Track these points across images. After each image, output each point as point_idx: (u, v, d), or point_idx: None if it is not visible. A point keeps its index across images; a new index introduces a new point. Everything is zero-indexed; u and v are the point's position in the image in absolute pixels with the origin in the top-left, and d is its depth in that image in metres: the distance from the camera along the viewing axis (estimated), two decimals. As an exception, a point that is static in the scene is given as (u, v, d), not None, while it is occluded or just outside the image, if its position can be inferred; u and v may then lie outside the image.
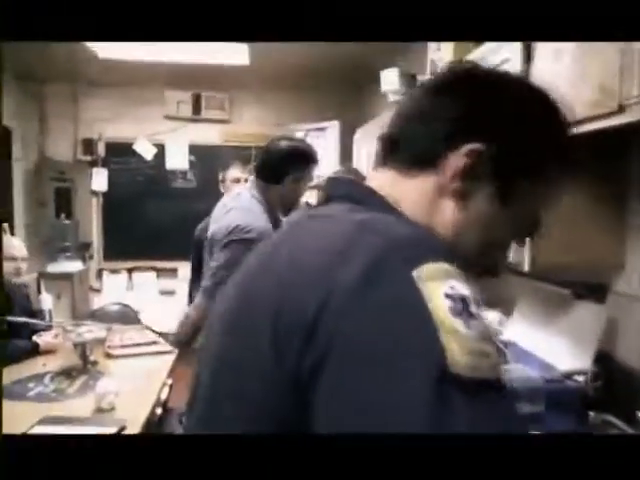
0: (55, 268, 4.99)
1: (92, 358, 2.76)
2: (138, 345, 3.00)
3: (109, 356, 2.89)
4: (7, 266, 2.95)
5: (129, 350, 2.94)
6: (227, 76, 5.22)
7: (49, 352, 2.92)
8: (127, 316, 4.04)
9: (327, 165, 4.82)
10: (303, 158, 2.06)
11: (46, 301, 4.31)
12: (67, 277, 4.98)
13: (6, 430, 1.84)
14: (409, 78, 2.69)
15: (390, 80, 2.78)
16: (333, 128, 4.83)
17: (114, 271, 5.50)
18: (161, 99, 5.42)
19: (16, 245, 3.06)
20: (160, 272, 5.56)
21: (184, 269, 5.52)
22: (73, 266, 5.10)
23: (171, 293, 5.57)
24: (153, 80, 5.25)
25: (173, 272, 5.53)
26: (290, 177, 2.05)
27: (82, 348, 2.74)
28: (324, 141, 4.91)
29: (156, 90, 5.37)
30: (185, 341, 2.17)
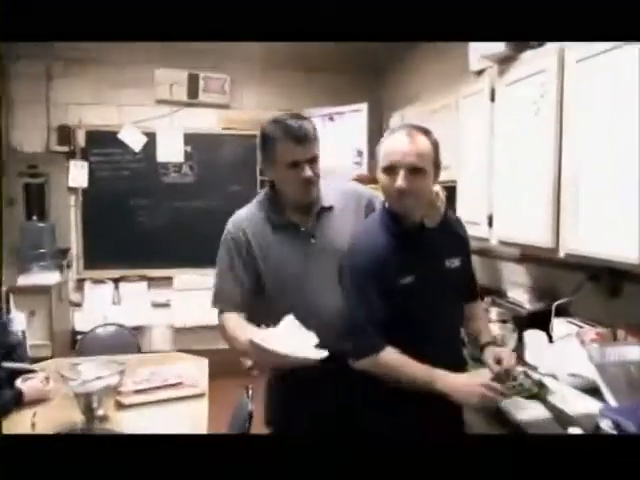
0: (28, 280, 4.18)
1: (100, 412, 2.04)
2: (157, 389, 2.28)
3: (121, 406, 2.17)
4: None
5: (146, 396, 2.23)
6: (228, 54, 4.51)
7: (37, 402, 2.19)
8: (125, 341, 3.29)
9: (354, 152, 4.19)
10: (281, 137, 1.64)
11: (18, 321, 3.54)
12: (43, 290, 4.18)
13: None
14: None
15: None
16: (360, 112, 4.17)
17: (97, 281, 4.70)
18: (151, 80, 4.65)
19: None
20: (152, 282, 4.79)
21: (181, 277, 4.80)
22: (49, 277, 4.29)
23: (165, 306, 4.82)
24: (143, 57, 4.47)
25: (167, 281, 4.78)
26: (276, 161, 1.66)
27: (86, 399, 2.01)
28: (347, 125, 4.25)
29: (146, 69, 4.59)
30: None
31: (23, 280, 4.17)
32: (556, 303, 2.18)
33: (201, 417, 2.13)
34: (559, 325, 2.21)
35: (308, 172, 1.63)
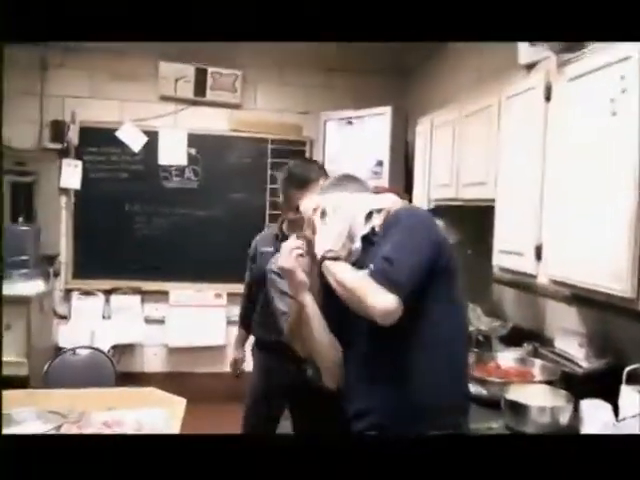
0: (6, 290, 3.73)
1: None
2: (109, 446, 1.81)
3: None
4: None
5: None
6: (240, 47, 4.07)
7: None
8: (99, 368, 2.85)
9: (374, 160, 3.71)
10: None
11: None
12: (22, 301, 3.77)
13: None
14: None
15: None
16: (383, 116, 3.69)
17: (87, 293, 4.28)
18: (154, 74, 4.24)
19: None
20: (146, 295, 4.36)
21: (177, 292, 4.38)
22: (31, 286, 3.89)
23: (160, 322, 4.38)
24: (145, 48, 4.07)
25: (163, 295, 4.35)
26: None
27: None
28: (368, 131, 3.77)
29: (148, 62, 4.19)
30: None
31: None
32: (628, 369, 1.65)
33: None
34: (628, 395, 1.68)
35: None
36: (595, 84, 1.61)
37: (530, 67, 2.03)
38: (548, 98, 1.87)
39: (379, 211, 1.46)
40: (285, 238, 2.17)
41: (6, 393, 2.45)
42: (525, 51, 2.01)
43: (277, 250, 2.38)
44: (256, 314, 2.53)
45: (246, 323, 2.73)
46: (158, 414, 2.10)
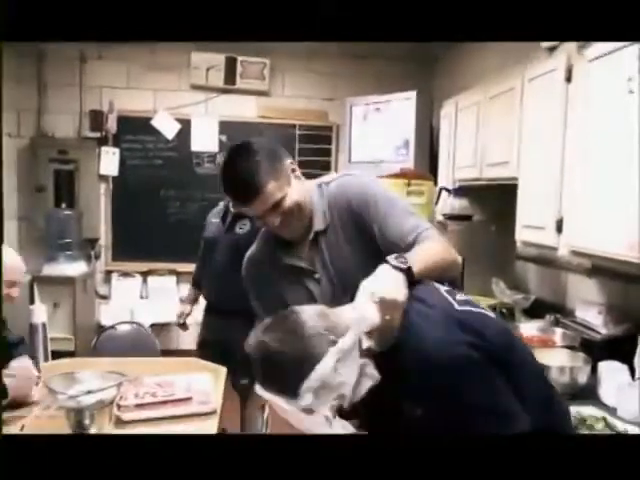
0: (53, 270, 4.02)
1: (93, 430, 1.77)
2: (162, 404, 1.99)
3: (119, 422, 1.90)
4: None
5: (149, 412, 1.95)
6: (269, 37, 4.20)
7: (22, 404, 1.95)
8: (145, 341, 3.06)
9: (400, 144, 3.82)
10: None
11: (39, 313, 3.37)
12: (67, 281, 4.02)
13: None
14: None
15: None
16: (408, 100, 3.79)
17: (125, 274, 4.51)
18: (187, 64, 4.41)
19: (11, 265, 2.05)
20: (181, 276, 4.56)
21: (210, 273, 4.56)
22: (75, 268, 4.13)
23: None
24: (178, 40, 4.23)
25: (197, 277, 4.53)
26: None
27: (77, 415, 1.75)
28: (394, 115, 3.88)
29: (181, 52, 4.34)
30: None
31: (48, 270, 4.01)
32: (643, 331, 1.77)
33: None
34: (644, 357, 1.79)
35: (272, 222, 1.42)
36: (614, 64, 1.71)
37: (552, 49, 2.12)
38: (569, 79, 1.97)
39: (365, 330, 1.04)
40: (230, 213, 2.75)
41: (62, 361, 2.68)
42: (547, 34, 2.11)
43: (223, 222, 2.91)
44: (204, 278, 3.02)
45: (197, 283, 3.18)
46: (205, 378, 2.28)
